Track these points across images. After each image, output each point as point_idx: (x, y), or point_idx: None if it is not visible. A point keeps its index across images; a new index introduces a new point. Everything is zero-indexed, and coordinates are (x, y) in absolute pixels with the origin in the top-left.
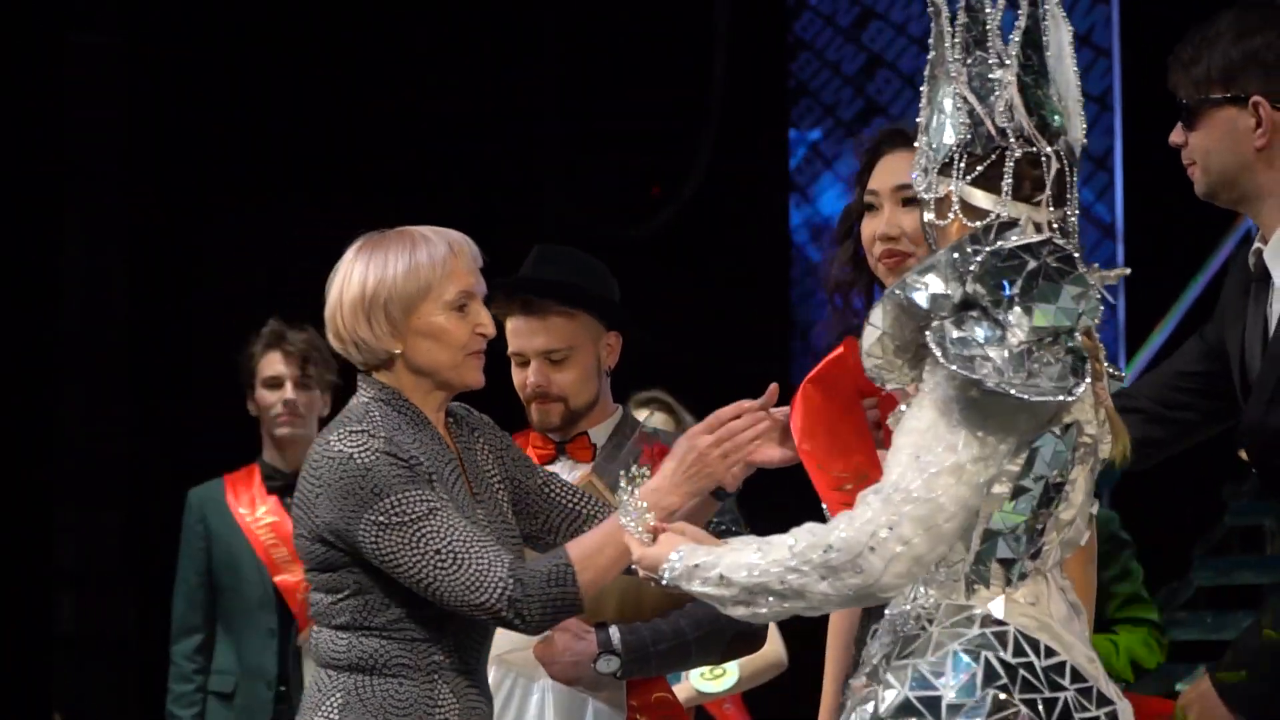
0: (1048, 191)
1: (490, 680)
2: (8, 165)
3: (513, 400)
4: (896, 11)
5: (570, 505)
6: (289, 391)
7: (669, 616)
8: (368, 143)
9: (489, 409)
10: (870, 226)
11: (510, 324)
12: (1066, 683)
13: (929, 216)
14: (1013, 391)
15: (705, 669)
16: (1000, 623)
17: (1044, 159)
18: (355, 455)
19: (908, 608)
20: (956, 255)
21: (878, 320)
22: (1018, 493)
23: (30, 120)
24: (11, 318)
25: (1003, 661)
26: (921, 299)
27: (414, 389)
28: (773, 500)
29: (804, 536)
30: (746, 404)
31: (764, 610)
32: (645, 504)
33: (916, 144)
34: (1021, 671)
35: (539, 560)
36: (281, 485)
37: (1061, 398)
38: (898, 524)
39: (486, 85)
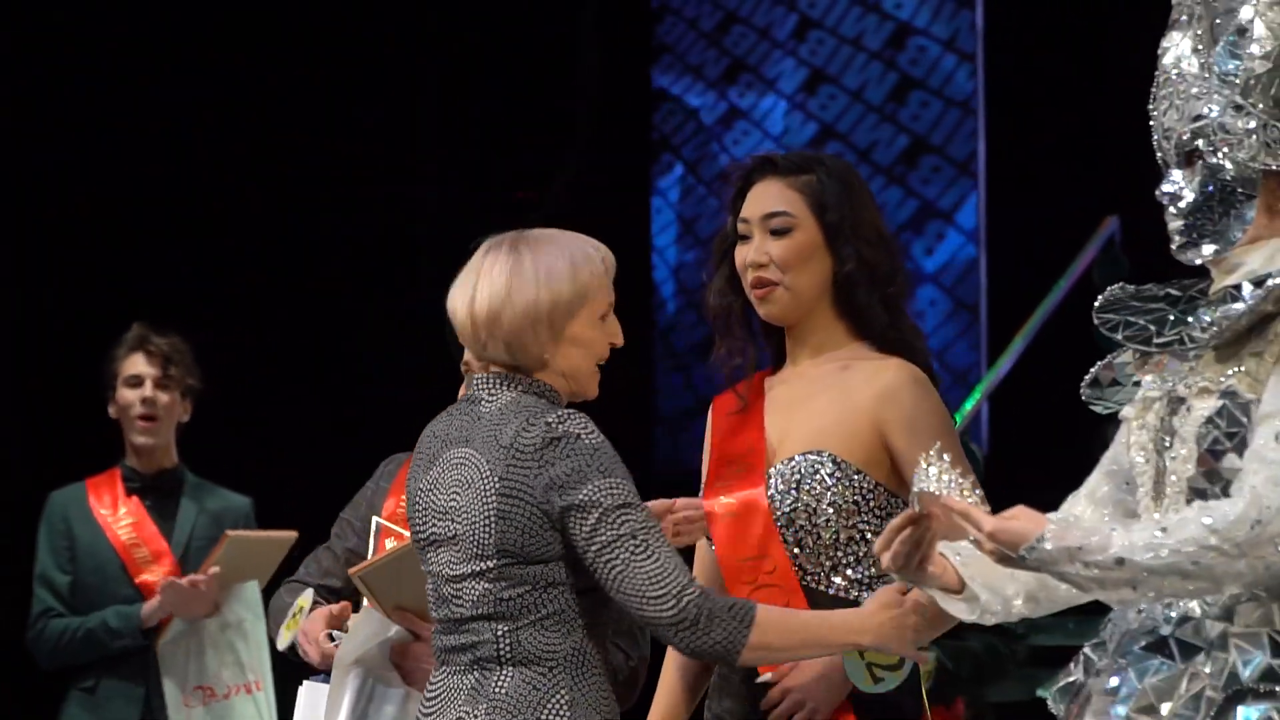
0: None
1: (349, 684)
2: None
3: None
4: (759, 16)
5: None
6: (148, 389)
7: None
8: (239, 147)
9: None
10: (742, 254)
11: None
12: None
13: (1276, 189)
14: None
15: None
16: None
17: None
18: (583, 435)
19: None
20: None
21: (1259, 297)
22: None
23: None
24: None
25: None
26: None
27: (554, 388)
28: None
29: (1219, 512)
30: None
31: (1150, 594)
32: (959, 470)
33: (1240, 104)
34: None
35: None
36: (140, 487)
37: None
38: None
39: (357, 90)
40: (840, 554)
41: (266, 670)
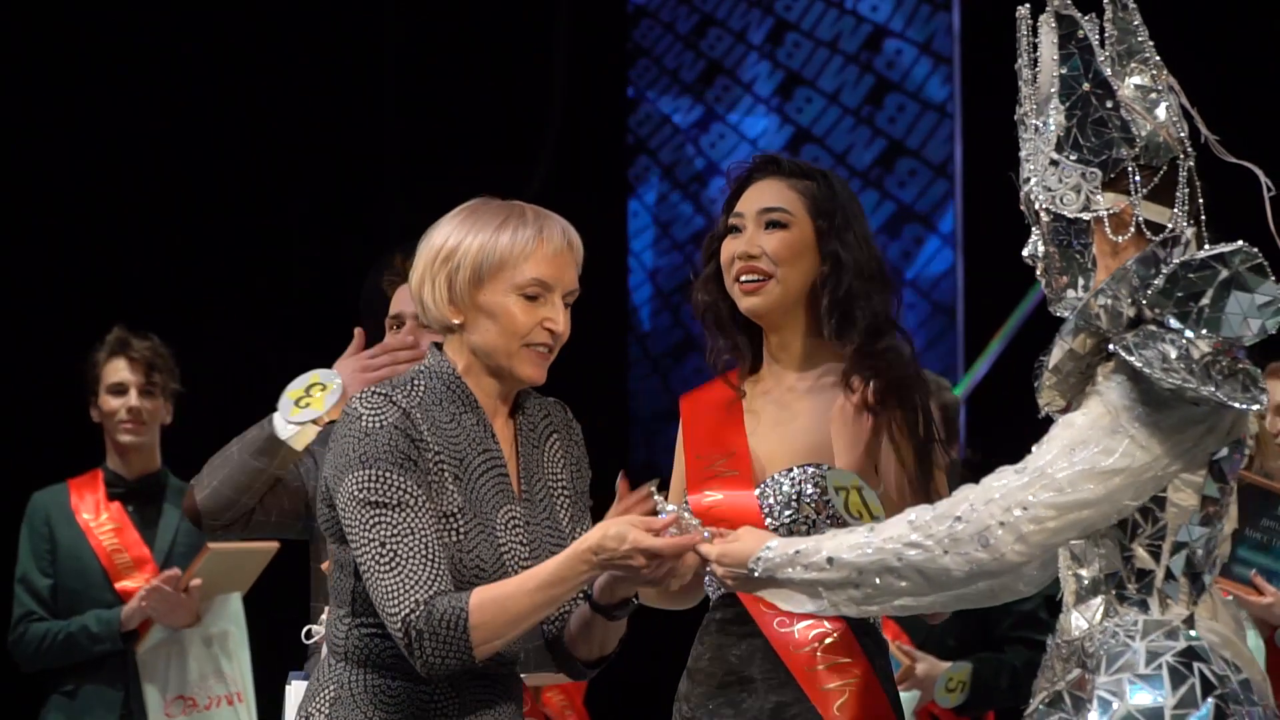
0: (1200, 201)
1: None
2: None
3: None
4: (735, 19)
5: None
6: (133, 398)
7: None
8: (208, 152)
9: None
10: (731, 247)
11: None
12: (1255, 699)
13: (1107, 233)
14: (1221, 397)
15: None
16: (1198, 637)
17: (1191, 169)
18: (365, 417)
19: (1097, 627)
20: (1137, 272)
21: (1067, 337)
22: (1204, 505)
23: None
24: None
25: (1213, 673)
26: (1103, 316)
27: (468, 369)
28: None
29: (923, 511)
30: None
31: (873, 594)
32: (684, 504)
33: (1056, 159)
34: (1229, 684)
35: (448, 595)
36: (123, 493)
37: (1256, 406)
38: (1033, 505)
39: (328, 95)
40: None
41: (249, 683)
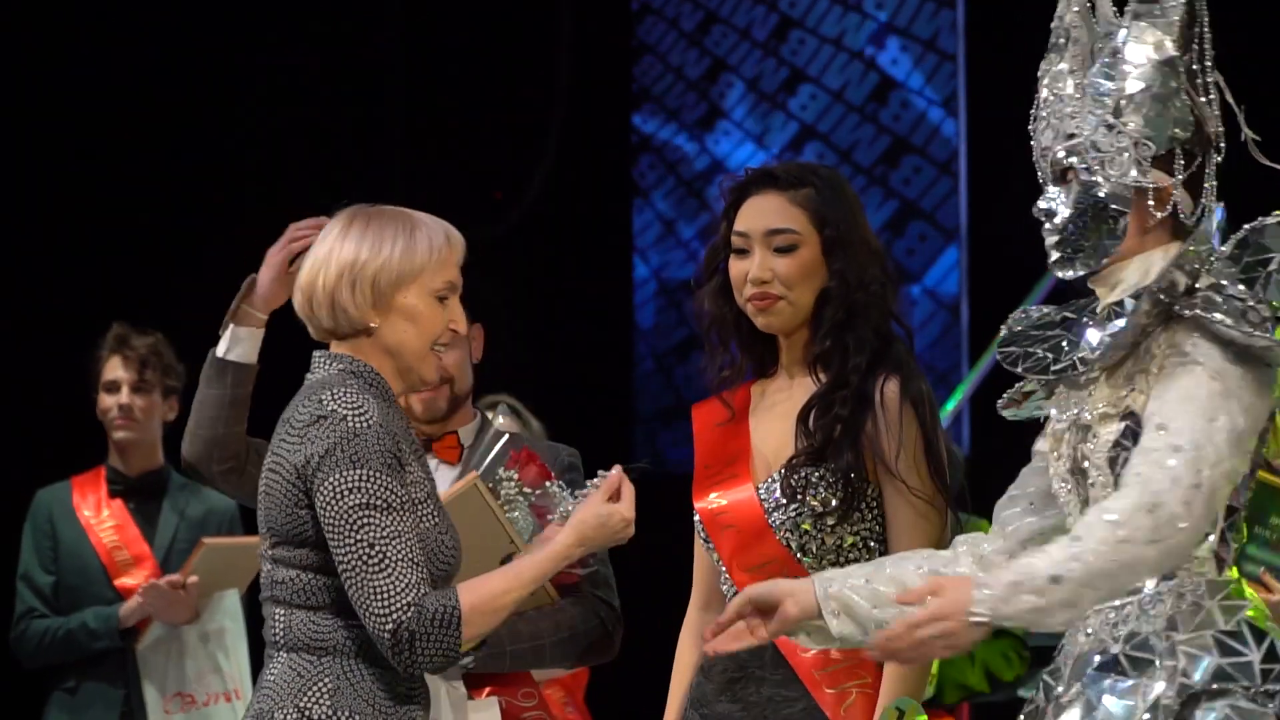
0: (1213, 199)
1: None
2: None
3: None
4: (740, 16)
5: None
6: (124, 396)
7: (527, 616)
8: (209, 144)
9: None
10: (740, 267)
11: None
12: None
13: (1148, 206)
14: None
15: None
16: (1252, 598)
17: (1218, 165)
18: (349, 418)
19: (1158, 587)
20: (1197, 240)
21: (1145, 304)
22: (1253, 470)
23: None
24: None
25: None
26: (1176, 285)
27: (380, 370)
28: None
29: (1117, 508)
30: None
31: (1084, 607)
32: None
33: (1111, 123)
34: None
35: (433, 594)
36: (123, 489)
37: None
38: (1206, 479)
39: (330, 87)
40: (843, 560)
41: (246, 680)
